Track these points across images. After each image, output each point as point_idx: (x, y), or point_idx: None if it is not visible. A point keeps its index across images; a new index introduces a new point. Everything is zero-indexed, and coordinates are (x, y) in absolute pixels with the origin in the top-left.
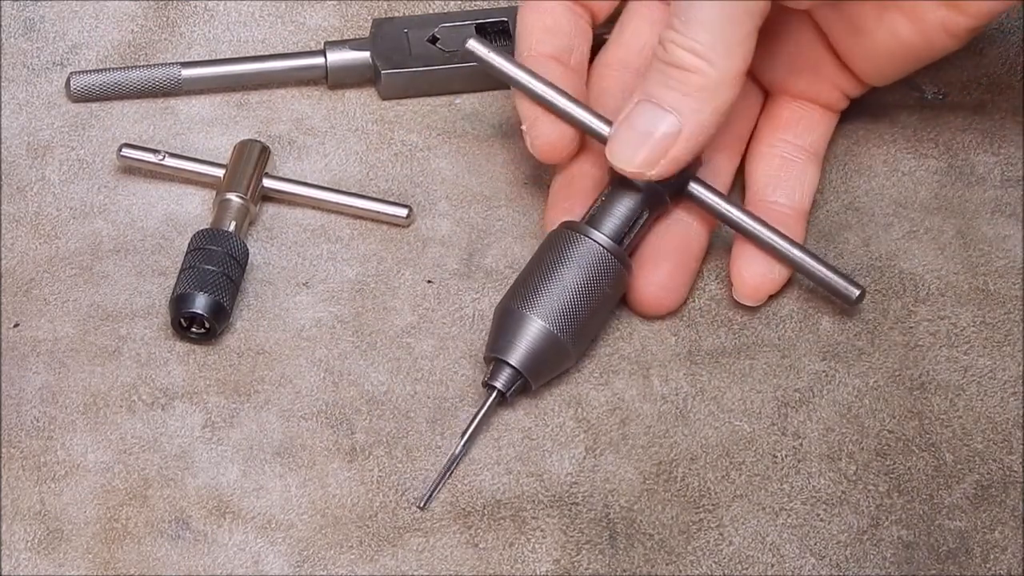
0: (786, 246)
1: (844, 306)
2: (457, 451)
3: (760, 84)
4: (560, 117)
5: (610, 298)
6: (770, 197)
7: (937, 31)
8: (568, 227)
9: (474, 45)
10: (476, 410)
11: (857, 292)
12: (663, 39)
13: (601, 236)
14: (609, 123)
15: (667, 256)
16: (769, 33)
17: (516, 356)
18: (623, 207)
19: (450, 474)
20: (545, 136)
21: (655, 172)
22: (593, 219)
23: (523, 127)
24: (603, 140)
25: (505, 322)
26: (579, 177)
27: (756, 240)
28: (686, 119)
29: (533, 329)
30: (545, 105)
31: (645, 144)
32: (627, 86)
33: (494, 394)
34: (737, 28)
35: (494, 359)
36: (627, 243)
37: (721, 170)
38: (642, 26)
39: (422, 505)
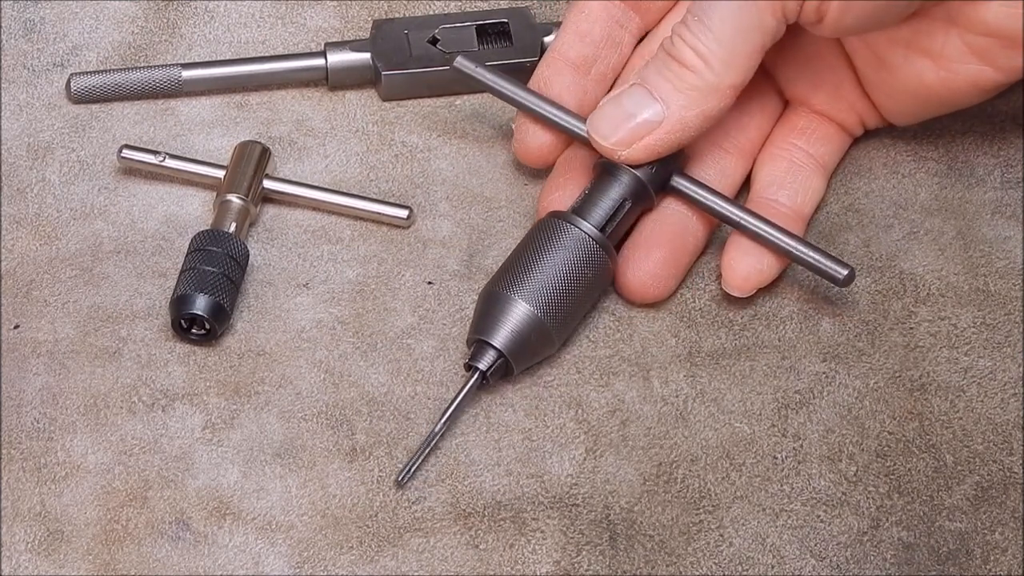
0: (772, 232)
1: (838, 291)
2: (437, 429)
3: (781, 94)
4: (545, 126)
5: (593, 286)
6: (772, 196)
7: (965, 83)
8: (554, 215)
9: (461, 63)
10: (457, 390)
11: (845, 272)
12: (674, 30)
13: (585, 224)
14: None
15: (660, 245)
16: (797, 46)
17: (499, 338)
18: (606, 197)
19: (429, 452)
20: (525, 142)
21: (626, 154)
22: (577, 208)
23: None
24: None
25: (489, 305)
26: (579, 159)
27: (742, 229)
28: (671, 113)
29: (517, 312)
30: (531, 115)
31: (625, 124)
32: None
33: (476, 375)
34: (745, 42)
35: (477, 341)
36: (609, 231)
37: (730, 172)
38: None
39: (401, 480)
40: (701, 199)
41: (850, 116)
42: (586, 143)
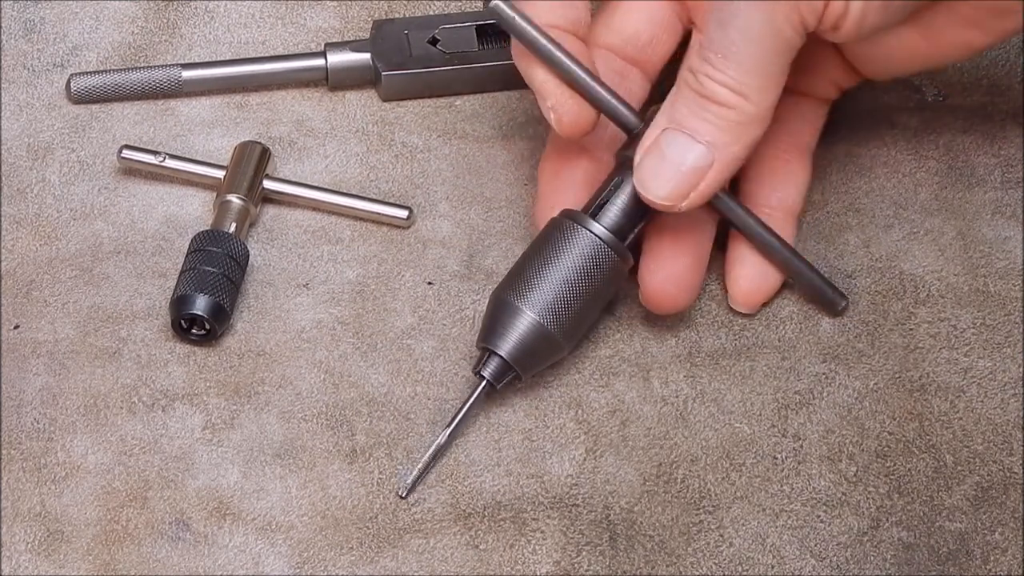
0: (782, 252)
1: (837, 312)
2: (443, 440)
3: None
4: (582, 95)
5: (605, 289)
6: (761, 199)
7: (952, 48)
8: (568, 216)
9: (499, 6)
10: (464, 399)
11: (843, 303)
12: (696, 70)
13: (600, 228)
14: (631, 109)
15: (685, 252)
16: None
17: (506, 348)
18: (629, 199)
19: (434, 464)
20: (573, 113)
21: (685, 204)
22: (595, 209)
23: (548, 103)
24: (623, 126)
25: (498, 312)
26: (569, 167)
27: (756, 241)
28: (719, 152)
29: (524, 322)
30: (569, 81)
31: (675, 175)
32: (617, 71)
33: (483, 384)
34: (775, 64)
35: (484, 349)
36: (631, 238)
37: None
38: (630, 14)
39: (404, 495)
40: (728, 208)
41: (828, 87)
42: (616, 120)
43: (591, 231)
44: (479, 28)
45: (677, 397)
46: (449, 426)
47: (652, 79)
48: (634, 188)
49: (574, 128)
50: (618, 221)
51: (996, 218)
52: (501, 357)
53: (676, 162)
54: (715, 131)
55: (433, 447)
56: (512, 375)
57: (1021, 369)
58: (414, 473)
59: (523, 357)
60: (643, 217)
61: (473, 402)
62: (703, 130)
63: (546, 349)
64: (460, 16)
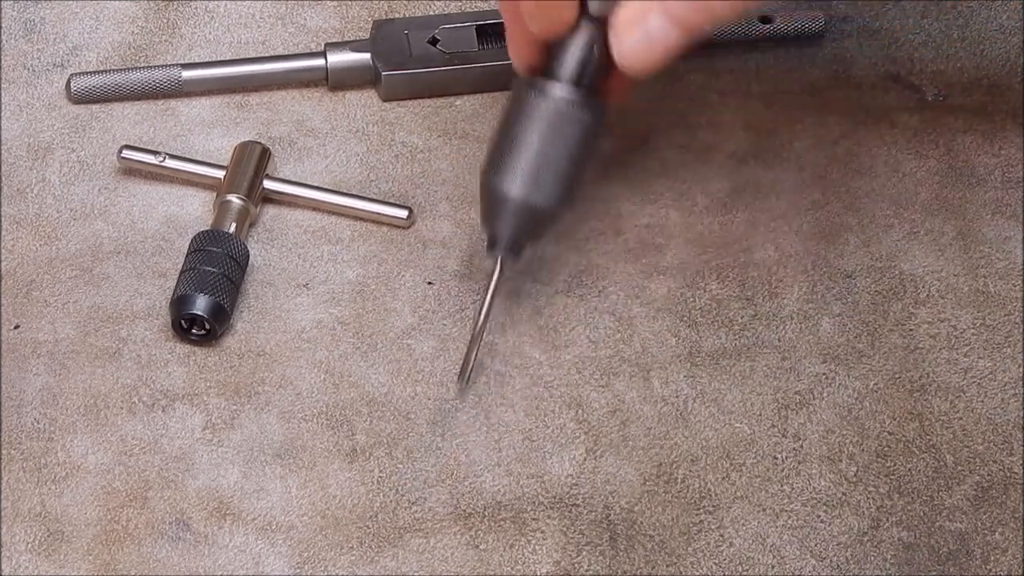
0: None
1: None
2: (478, 327)
3: None
4: None
5: (590, 149)
6: None
7: None
8: (527, 83)
9: None
10: (488, 283)
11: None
12: None
13: (557, 86)
14: None
15: None
16: None
17: (502, 228)
18: (599, 55)
19: (478, 352)
20: (546, 10)
21: (657, 70)
22: (550, 67)
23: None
24: None
25: (488, 195)
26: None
27: None
28: (694, 34)
29: (513, 204)
30: None
31: (660, 54)
32: None
33: (497, 266)
34: None
35: (487, 231)
36: (586, 81)
37: None
38: None
39: (462, 389)
40: None
41: None
42: None
43: (552, 95)
44: (479, 28)
45: (677, 397)
46: (482, 309)
47: None
48: (601, 43)
49: (549, 25)
50: (574, 71)
51: (996, 218)
52: (503, 237)
53: (663, 44)
54: (702, 22)
55: (478, 332)
56: (514, 245)
57: (1021, 369)
58: (468, 370)
59: (523, 232)
60: (596, 53)
61: (496, 281)
62: (691, 20)
63: (541, 220)
64: (460, 16)
